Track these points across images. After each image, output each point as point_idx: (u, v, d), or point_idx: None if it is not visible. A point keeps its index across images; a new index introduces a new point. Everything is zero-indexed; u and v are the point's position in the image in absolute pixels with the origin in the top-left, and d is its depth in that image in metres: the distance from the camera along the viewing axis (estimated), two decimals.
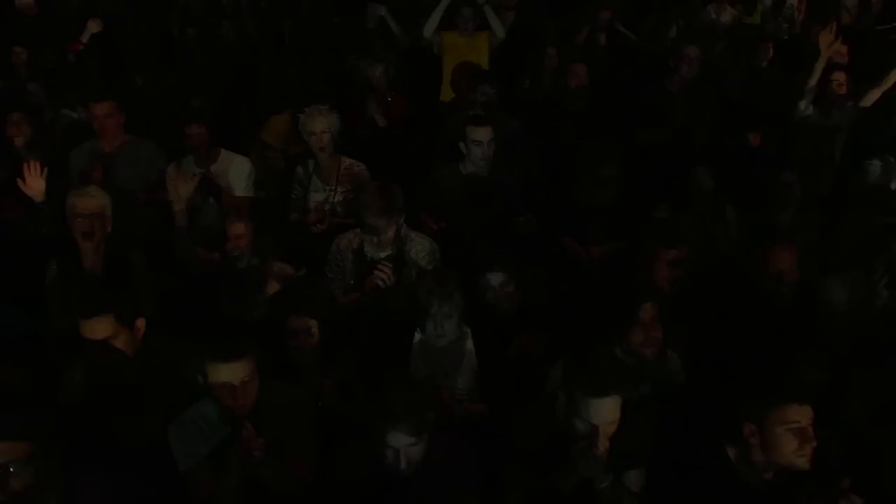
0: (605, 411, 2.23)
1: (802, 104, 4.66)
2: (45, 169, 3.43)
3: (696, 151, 4.60)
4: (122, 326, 2.37)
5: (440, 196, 3.94)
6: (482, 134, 3.83)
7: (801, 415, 2.12)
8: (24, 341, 3.15)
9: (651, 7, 7.01)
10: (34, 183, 3.42)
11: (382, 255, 3.26)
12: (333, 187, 3.95)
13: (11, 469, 1.73)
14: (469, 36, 5.52)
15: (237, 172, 4.05)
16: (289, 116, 4.53)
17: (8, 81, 5.30)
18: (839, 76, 4.69)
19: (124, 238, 3.39)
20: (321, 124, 3.83)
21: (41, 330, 3.18)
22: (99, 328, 2.32)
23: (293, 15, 6.12)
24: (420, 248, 3.32)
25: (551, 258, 4.03)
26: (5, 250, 3.61)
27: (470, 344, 2.98)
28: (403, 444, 2.24)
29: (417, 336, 2.93)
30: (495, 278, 3.16)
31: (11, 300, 3.29)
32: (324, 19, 6.31)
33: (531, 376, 3.03)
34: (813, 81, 4.55)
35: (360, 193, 3.21)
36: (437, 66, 5.69)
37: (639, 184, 4.23)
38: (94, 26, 5.24)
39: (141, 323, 2.45)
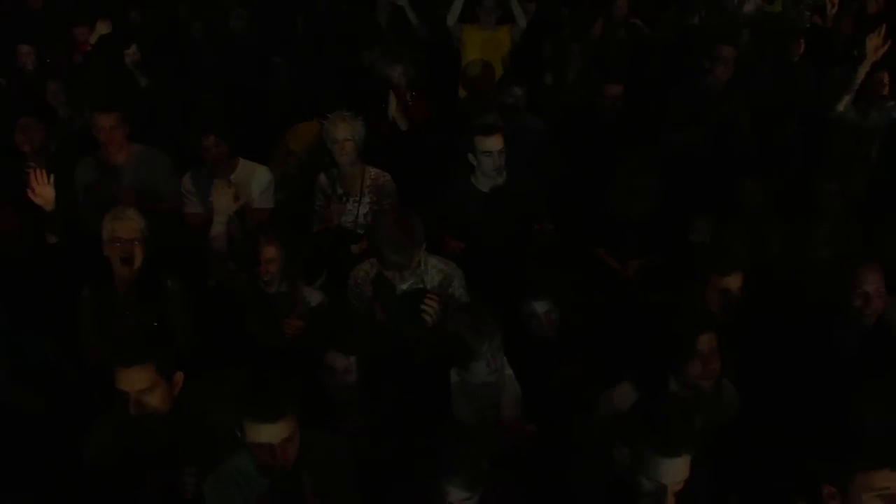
0: (676, 471, 2.08)
1: (841, 104, 4.47)
2: (52, 176, 3.29)
3: (731, 155, 4.43)
4: (162, 378, 2.21)
5: (455, 213, 3.73)
6: (492, 143, 3.61)
7: (893, 481, 1.96)
8: (40, 370, 3.03)
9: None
10: (43, 191, 3.27)
11: (405, 285, 3.06)
12: (358, 198, 3.76)
13: None
14: (490, 30, 5.29)
15: (258, 183, 3.86)
16: (317, 125, 4.34)
17: (14, 80, 5.08)
18: (881, 76, 4.52)
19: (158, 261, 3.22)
20: (344, 132, 3.64)
21: (64, 360, 3.04)
22: (139, 379, 2.15)
23: (306, 8, 5.85)
24: (444, 275, 3.10)
25: (584, 271, 3.89)
26: (6, 265, 3.46)
27: (509, 370, 2.82)
28: (459, 499, 2.11)
29: (455, 376, 2.76)
30: (540, 306, 3.01)
31: (20, 320, 3.16)
32: (337, 12, 6.05)
33: (575, 403, 2.93)
34: (856, 83, 4.34)
35: (376, 227, 2.99)
36: (456, 61, 5.50)
37: (675, 191, 4.05)
38: (103, 27, 5.01)
39: (179, 377, 2.29)
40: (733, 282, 2.95)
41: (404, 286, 3.03)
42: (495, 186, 3.72)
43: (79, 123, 4.70)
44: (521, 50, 5.49)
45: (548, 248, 3.65)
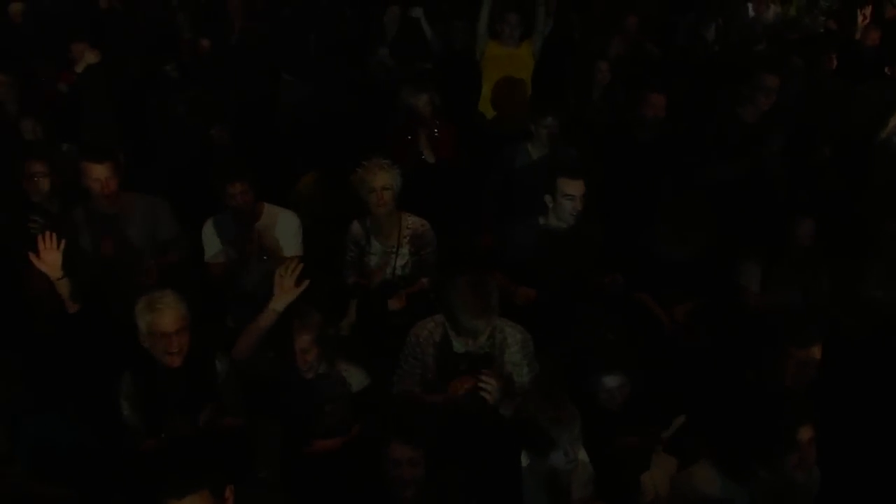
0: None
1: (885, 129, 4.31)
2: (63, 241, 2.95)
3: (770, 185, 4.27)
4: (214, 499, 1.98)
5: (516, 253, 3.56)
6: (576, 188, 3.43)
7: None
8: (70, 455, 2.78)
9: (687, 5, 6.58)
10: (49, 257, 2.92)
11: (471, 350, 2.86)
12: (395, 249, 3.54)
13: None
14: (514, 47, 5.05)
15: (285, 231, 3.60)
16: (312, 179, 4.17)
17: None
18: None
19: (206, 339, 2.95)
20: (382, 180, 3.40)
21: (99, 442, 2.79)
22: None
23: (319, 24, 5.55)
24: (513, 340, 2.91)
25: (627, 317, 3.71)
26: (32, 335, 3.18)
27: (584, 454, 2.64)
28: None
29: (526, 459, 2.58)
30: (613, 381, 2.83)
31: (47, 398, 2.90)
32: (346, 27, 5.77)
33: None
34: None
35: (451, 290, 2.77)
36: (472, 75, 5.26)
37: (721, 229, 3.88)
38: (91, 56, 4.56)
39: (230, 492, 2.06)
40: (814, 353, 2.79)
41: (471, 350, 2.84)
42: (569, 229, 3.54)
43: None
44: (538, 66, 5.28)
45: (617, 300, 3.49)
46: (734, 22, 6.48)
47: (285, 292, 2.82)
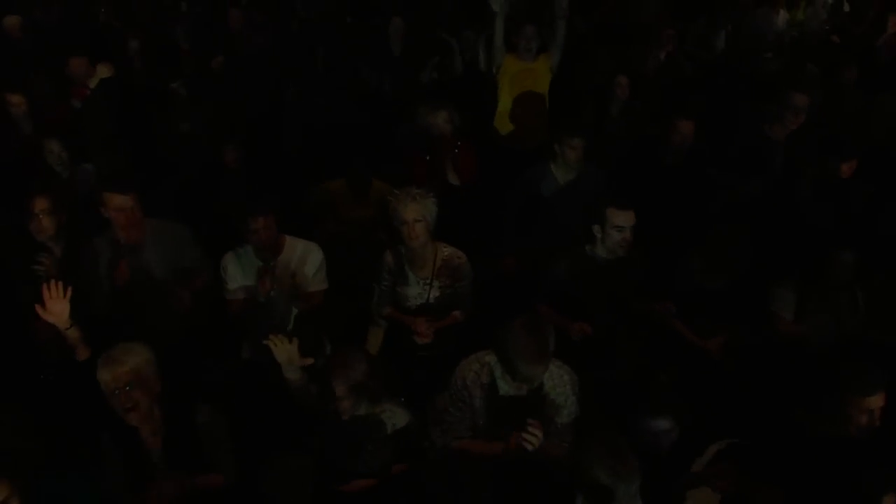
0: None
1: None
2: (69, 289, 2.79)
3: (799, 206, 4.17)
4: None
5: (561, 284, 3.46)
6: (626, 219, 3.32)
7: None
8: None
9: (697, 11, 6.48)
10: (56, 307, 2.76)
11: (519, 392, 2.76)
12: (429, 281, 3.41)
13: None
14: (530, 61, 4.90)
15: (308, 265, 3.47)
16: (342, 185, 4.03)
17: (4, 137, 4.41)
18: None
19: (183, 387, 2.81)
20: (414, 212, 3.26)
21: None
22: None
23: (326, 39, 5.39)
24: (559, 381, 2.82)
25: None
26: (49, 385, 3.01)
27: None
28: None
29: None
30: (662, 425, 2.71)
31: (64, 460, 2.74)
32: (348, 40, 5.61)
33: None
34: None
35: (507, 336, 2.65)
36: (485, 89, 5.12)
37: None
38: (104, 70, 4.39)
39: None
40: (877, 402, 2.68)
41: (519, 392, 2.75)
42: (615, 260, 3.43)
43: (83, 187, 4.19)
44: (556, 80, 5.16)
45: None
46: (743, 29, 6.38)
47: (288, 363, 2.74)
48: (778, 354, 3.58)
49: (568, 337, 3.33)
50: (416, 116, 4.34)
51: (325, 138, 5.23)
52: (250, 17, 5.61)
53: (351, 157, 4.16)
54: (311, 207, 4.36)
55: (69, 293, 2.78)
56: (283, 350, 2.75)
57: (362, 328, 4.11)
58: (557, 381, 2.82)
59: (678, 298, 3.63)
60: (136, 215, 3.29)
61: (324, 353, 3.76)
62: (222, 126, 4.74)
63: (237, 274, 3.45)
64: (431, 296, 3.41)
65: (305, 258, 3.46)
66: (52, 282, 2.78)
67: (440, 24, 5.46)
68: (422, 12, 5.63)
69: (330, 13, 5.57)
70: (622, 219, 3.31)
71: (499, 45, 4.78)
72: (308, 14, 5.53)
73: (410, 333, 3.44)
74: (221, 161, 4.50)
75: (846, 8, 7.05)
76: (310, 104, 5.39)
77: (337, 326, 3.83)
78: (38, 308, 2.74)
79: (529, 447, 2.58)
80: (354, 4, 5.88)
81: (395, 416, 2.89)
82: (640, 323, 3.48)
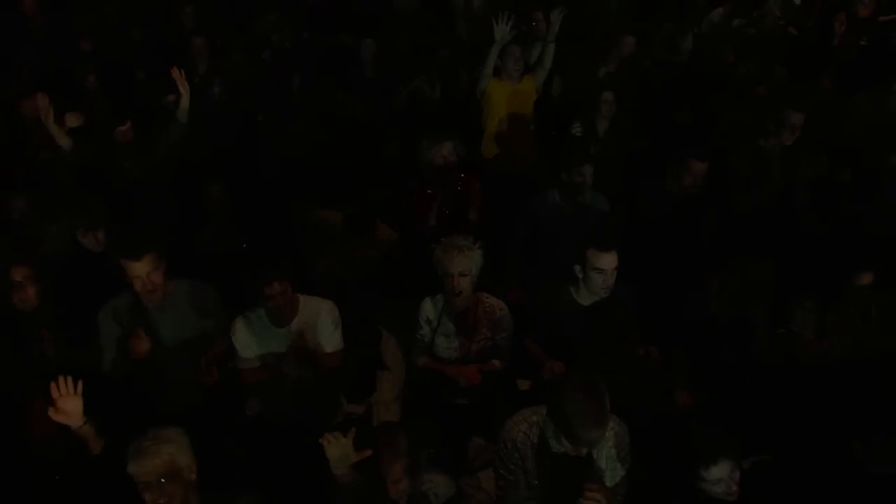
0: None
1: None
2: (80, 383, 2.52)
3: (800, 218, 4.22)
4: None
5: (552, 328, 3.34)
6: (606, 261, 3.17)
7: None
8: None
9: (662, 16, 6.48)
10: (69, 405, 2.49)
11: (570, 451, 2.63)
12: (469, 333, 3.27)
13: None
14: (517, 82, 4.81)
15: (325, 325, 3.25)
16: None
17: None
18: None
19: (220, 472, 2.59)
20: (460, 265, 3.10)
21: None
22: None
23: (303, 70, 5.13)
24: (610, 433, 2.68)
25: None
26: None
27: None
28: None
29: None
30: (722, 470, 2.62)
31: None
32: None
33: None
34: None
35: (562, 398, 2.51)
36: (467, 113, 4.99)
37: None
38: (73, 119, 4.03)
39: None
40: None
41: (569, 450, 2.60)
42: (599, 301, 3.31)
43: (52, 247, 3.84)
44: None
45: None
46: (710, 32, 6.42)
47: (341, 460, 2.52)
48: (799, 374, 3.60)
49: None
50: (420, 150, 4.15)
51: (303, 166, 5.03)
52: (212, 43, 5.27)
53: (347, 196, 3.98)
54: (304, 238, 4.17)
55: (80, 387, 2.50)
56: (338, 447, 2.50)
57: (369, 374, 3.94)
58: (608, 433, 2.66)
59: (686, 327, 3.56)
60: (155, 278, 3.04)
61: (342, 409, 3.60)
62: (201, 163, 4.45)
63: (251, 342, 3.22)
64: (472, 349, 3.26)
65: (322, 318, 3.24)
66: (60, 378, 2.50)
67: (416, 46, 5.26)
68: (396, 33, 5.43)
69: (305, 41, 5.30)
70: (603, 261, 3.17)
71: (488, 71, 4.67)
72: (282, 42, 5.24)
73: (448, 383, 3.28)
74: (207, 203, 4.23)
75: (797, 1, 7.18)
76: (286, 132, 5.15)
77: (346, 378, 3.66)
78: (50, 410, 2.46)
79: None
80: (327, 28, 5.62)
81: (438, 486, 2.76)
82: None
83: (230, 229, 4.27)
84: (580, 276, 3.27)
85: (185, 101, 4.18)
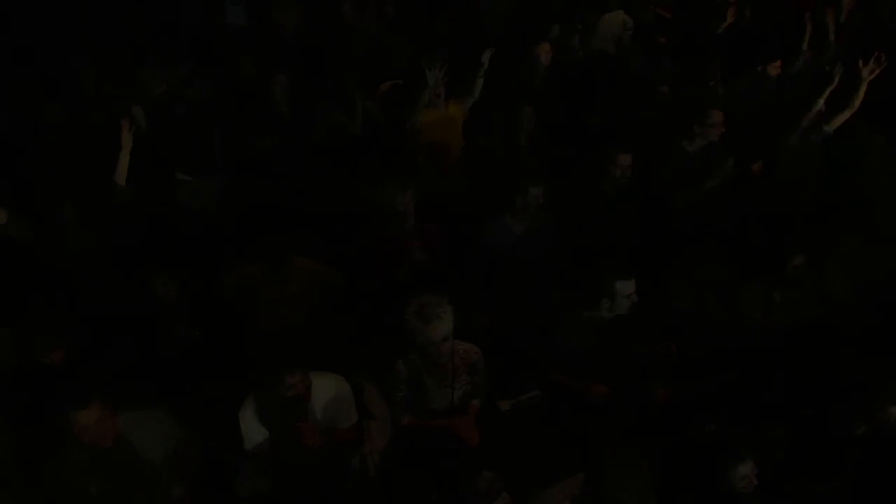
0: None
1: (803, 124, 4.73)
2: None
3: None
4: None
5: (566, 347, 3.53)
6: (633, 286, 3.47)
7: None
8: None
9: (552, 17, 6.73)
10: None
11: None
12: (450, 384, 3.32)
13: None
14: (443, 108, 4.88)
15: (340, 401, 3.20)
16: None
17: None
18: None
19: None
20: (442, 332, 3.06)
21: None
22: None
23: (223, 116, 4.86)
24: None
25: None
26: None
27: None
28: None
29: None
30: (746, 468, 2.90)
31: None
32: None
33: None
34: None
35: (604, 472, 2.68)
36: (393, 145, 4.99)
37: None
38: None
39: None
40: None
41: None
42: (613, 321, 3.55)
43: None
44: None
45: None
46: (596, 29, 6.74)
47: None
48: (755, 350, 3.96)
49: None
50: (381, 195, 4.11)
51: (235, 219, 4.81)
52: None
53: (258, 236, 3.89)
54: (228, 297, 4.03)
55: None
56: None
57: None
58: None
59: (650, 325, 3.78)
60: (105, 424, 2.80)
61: None
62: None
63: (261, 428, 3.12)
64: (455, 396, 3.32)
65: (334, 394, 3.19)
66: None
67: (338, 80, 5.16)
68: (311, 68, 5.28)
69: (223, 91, 5.03)
70: (630, 286, 3.46)
71: (423, 104, 4.73)
72: (198, 95, 4.95)
73: (437, 437, 3.33)
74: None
75: None
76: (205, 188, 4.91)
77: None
78: None
79: None
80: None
81: None
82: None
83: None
84: (607, 306, 3.47)
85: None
